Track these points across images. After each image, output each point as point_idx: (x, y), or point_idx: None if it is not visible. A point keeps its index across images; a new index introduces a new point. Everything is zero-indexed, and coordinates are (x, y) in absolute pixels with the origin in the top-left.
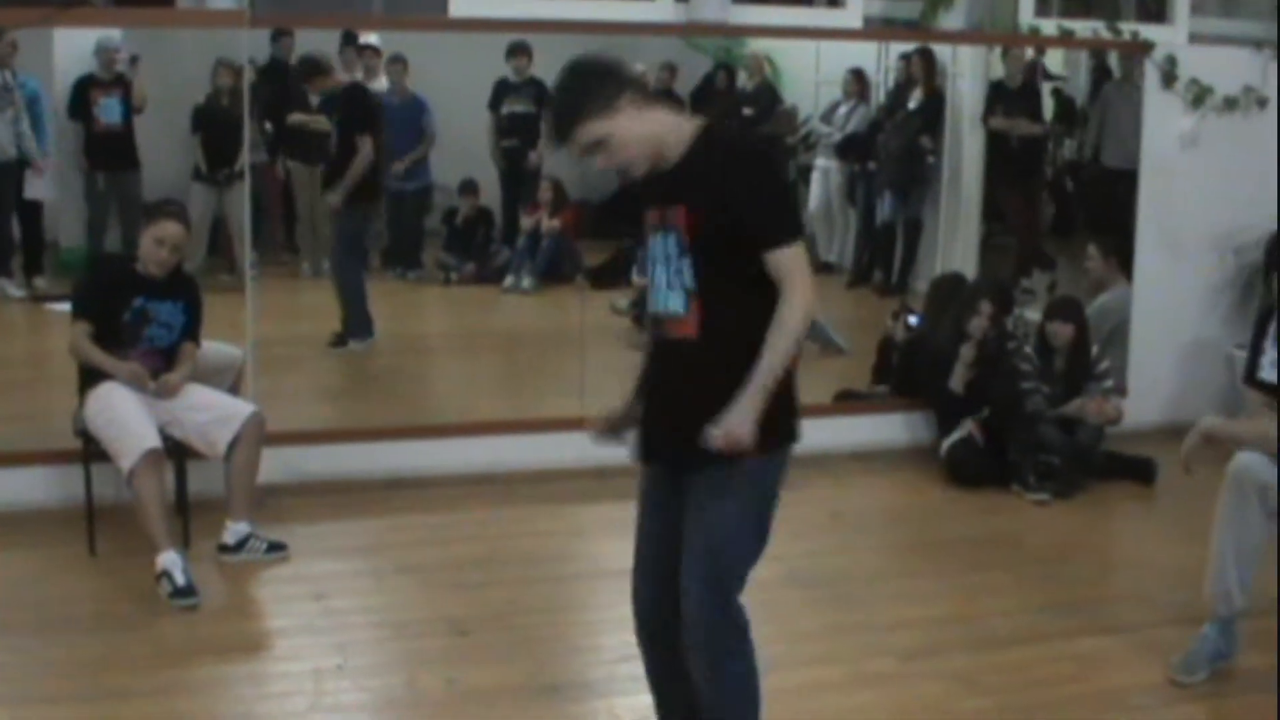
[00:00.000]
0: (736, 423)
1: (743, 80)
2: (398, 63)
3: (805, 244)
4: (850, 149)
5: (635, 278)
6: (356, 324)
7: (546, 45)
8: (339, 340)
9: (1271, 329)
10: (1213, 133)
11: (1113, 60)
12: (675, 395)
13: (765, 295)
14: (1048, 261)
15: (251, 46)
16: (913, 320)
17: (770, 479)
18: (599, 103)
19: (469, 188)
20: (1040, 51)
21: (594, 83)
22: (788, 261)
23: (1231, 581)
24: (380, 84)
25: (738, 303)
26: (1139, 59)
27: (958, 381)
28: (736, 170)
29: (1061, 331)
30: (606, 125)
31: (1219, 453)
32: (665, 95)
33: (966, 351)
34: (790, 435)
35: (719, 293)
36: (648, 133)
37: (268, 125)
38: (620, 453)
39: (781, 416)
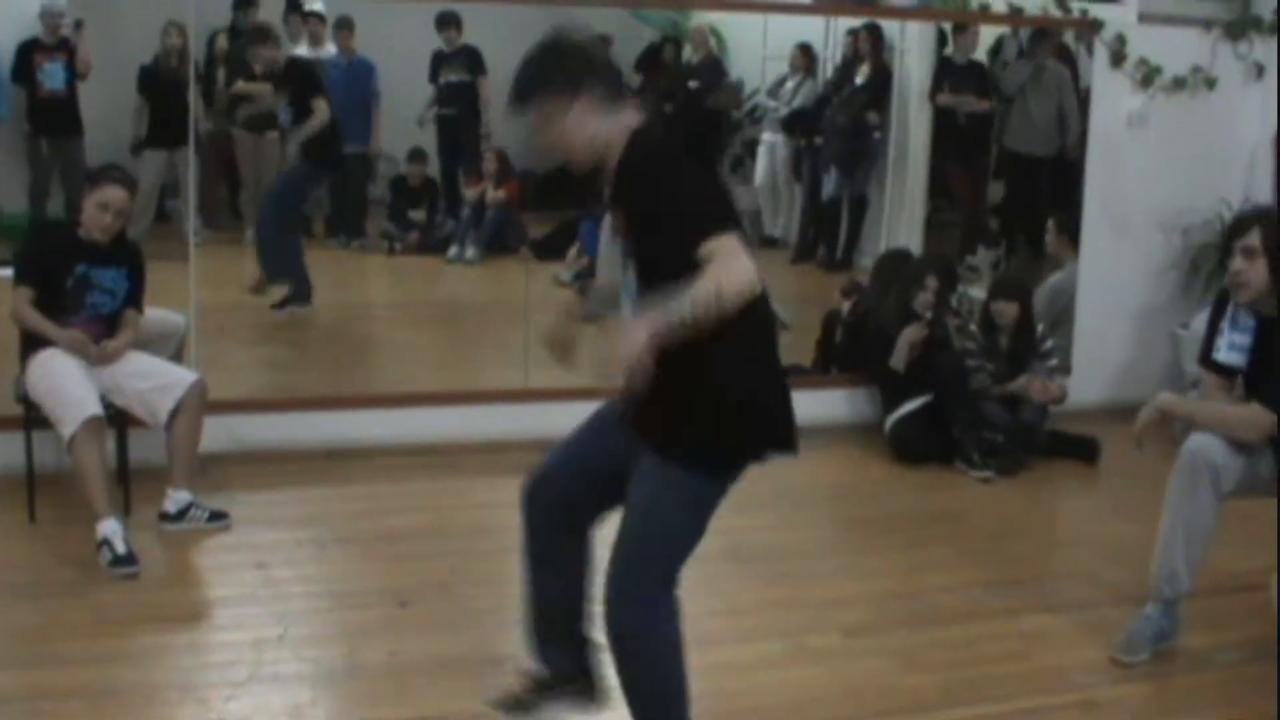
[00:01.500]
0: (633, 330)
1: (688, 53)
2: (344, 26)
3: (738, 234)
4: (796, 124)
5: (574, 252)
6: (296, 287)
7: (499, 16)
8: (280, 304)
9: (1229, 311)
10: (1161, 113)
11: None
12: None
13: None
14: (993, 239)
15: (202, 10)
16: (860, 299)
17: (707, 498)
18: (566, 83)
19: (417, 155)
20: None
21: (569, 62)
22: (712, 247)
23: (1179, 563)
24: (327, 50)
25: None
26: (1052, 40)
27: (899, 359)
28: (650, 172)
29: (1007, 310)
30: (562, 108)
31: (1167, 432)
32: (631, 97)
33: (914, 331)
34: (734, 458)
35: (662, 291)
36: (597, 134)
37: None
38: (564, 424)
39: (744, 414)
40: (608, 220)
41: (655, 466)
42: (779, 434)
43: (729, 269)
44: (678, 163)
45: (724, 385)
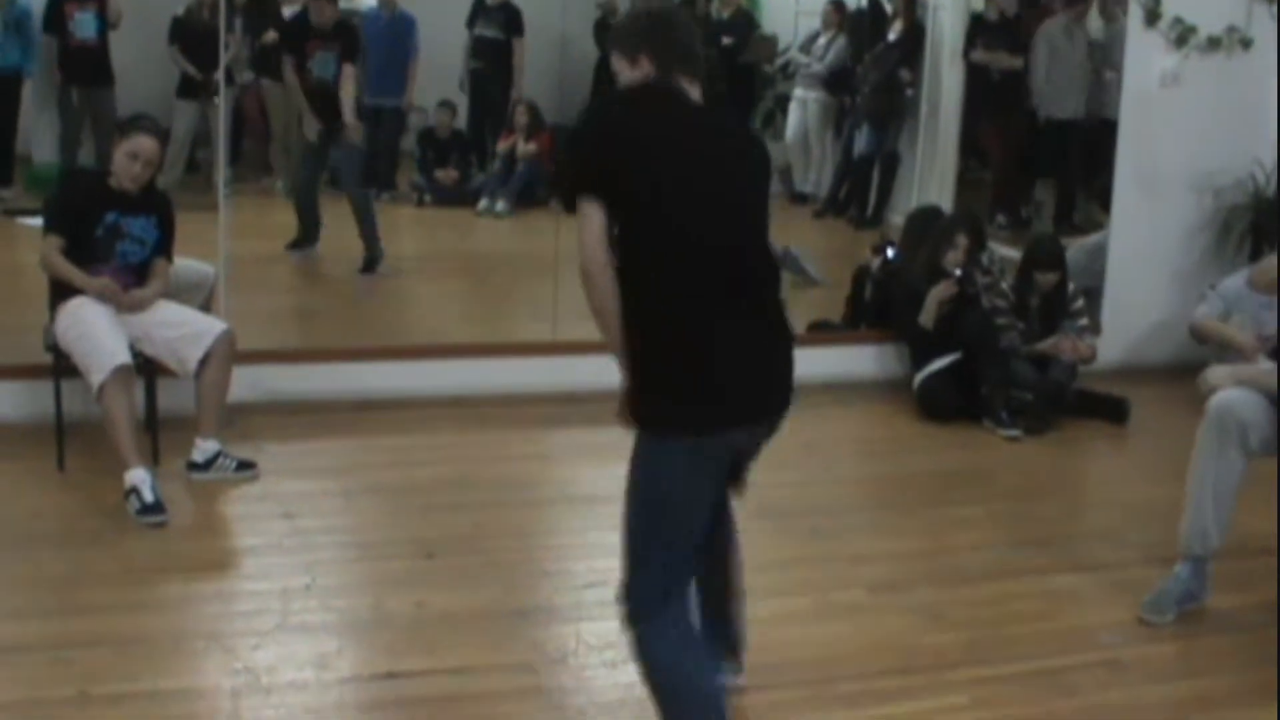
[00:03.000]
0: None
1: (715, 9)
2: None
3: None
4: (838, 82)
5: None
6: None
7: None
8: (295, 243)
9: None
10: (1195, 73)
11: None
12: None
13: (630, 260)
14: (1025, 197)
15: None
16: (890, 254)
17: (650, 456)
18: (630, 42)
19: (445, 105)
20: None
21: (644, 26)
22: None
23: (1209, 520)
24: (365, 2)
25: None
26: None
27: (927, 318)
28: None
29: (1047, 280)
30: (625, 66)
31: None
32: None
33: (942, 289)
34: (666, 421)
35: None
36: None
37: (257, 42)
38: (590, 378)
39: (656, 398)
40: None
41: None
42: (695, 407)
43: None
44: (582, 119)
45: (642, 355)
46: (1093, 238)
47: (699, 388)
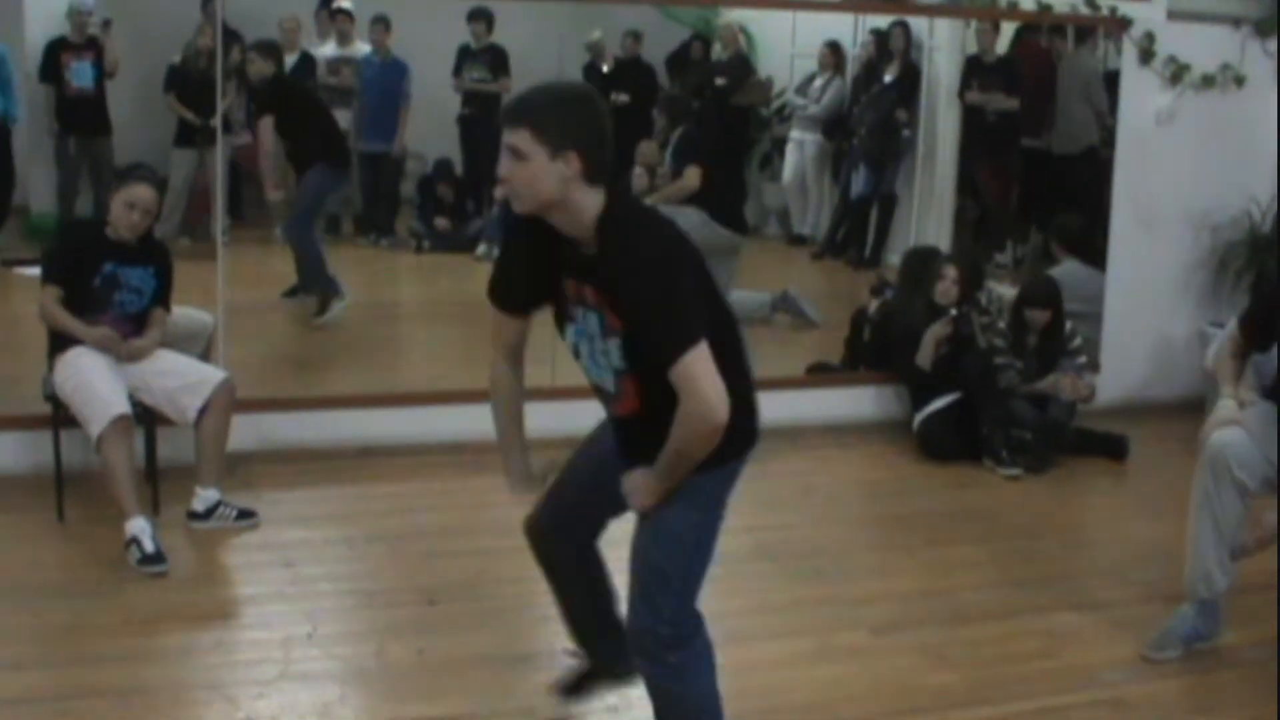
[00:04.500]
0: (644, 493)
1: (717, 51)
2: (379, 23)
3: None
4: (835, 126)
5: None
6: (323, 288)
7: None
8: (291, 291)
9: None
10: (1190, 111)
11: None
12: (636, 459)
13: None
14: (1021, 235)
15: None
16: (889, 295)
17: (715, 491)
18: (554, 132)
19: (444, 167)
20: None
21: (574, 115)
22: (683, 371)
23: (1211, 562)
24: (357, 49)
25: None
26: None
27: (925, 358)
28: (630, 275)
29: (1039, 318)
30: (541, 155)
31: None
32: (613, 181)
33: (940, 328)
34: (740, 449)
35: (656, 371)
36: (553, 194)
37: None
38: (590, 423)
39: (733, 433)
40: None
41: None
42: (755, 429)
43: (692, 426)
44: (649, 263)
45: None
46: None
47: (755, 407)
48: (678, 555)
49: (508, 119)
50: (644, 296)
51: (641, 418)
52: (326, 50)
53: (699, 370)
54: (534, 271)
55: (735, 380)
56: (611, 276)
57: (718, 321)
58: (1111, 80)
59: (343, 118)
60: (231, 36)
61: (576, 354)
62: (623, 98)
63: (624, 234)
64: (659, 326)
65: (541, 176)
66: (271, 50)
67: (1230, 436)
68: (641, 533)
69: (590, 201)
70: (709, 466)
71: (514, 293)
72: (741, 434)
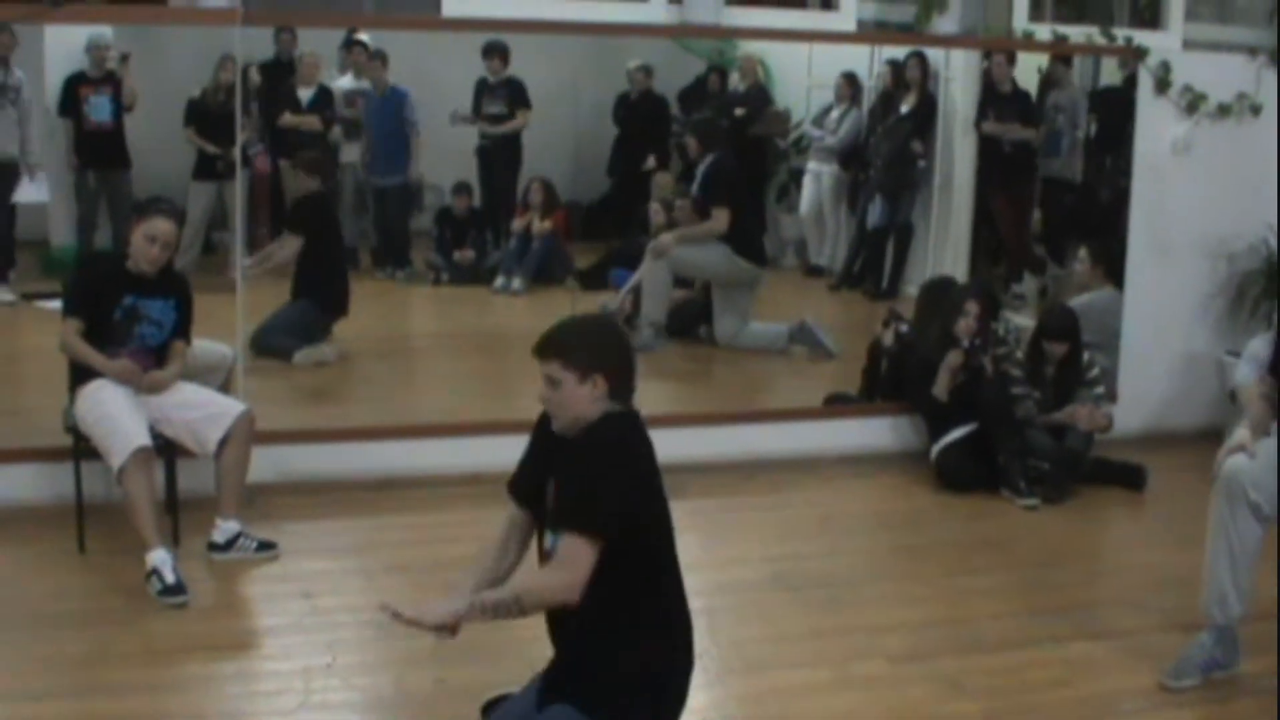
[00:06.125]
0: (448, 612)
1: (735, 82)
2: (376, 58)
3: (597, 544)
4: (851, 158)
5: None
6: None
7: (542, 45)
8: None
9: None
10: (1206, 140)
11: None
12: (560, 688)
13: (637, 570)
14: (1039, 266)
15: (247, 44)
16: (904, 329)
17: None
18: (585, 362)
19: (462, 188)
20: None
21: (597, 345)
22: (570, 546)
23: (1227, 588)
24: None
25: (606, 579)
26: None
27: (940, 389)
28: (580, 453)
29: (1056, 349)
30: (571, 380)
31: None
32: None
33: (953, 358)
34: (652, 702)
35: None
36: (586, 413)
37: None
38: None
39: (648, 699)
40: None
41: (565, 713)
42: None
43: (546, 582)
44: (606, 449)
45: (655, 650)
46: (1083, 297)
47: (678, 642)
48: None
49: (540, 354)
50: (580, 472)
51: (577, 630)
52: (343, 83)
53: (580, 558)
54: (534, 465)
55: (657, 604)
56: (562, 463)
57: (660, 562)
58: (1105, 97)
59: (353, 151)
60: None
61: (549, 556)
62: None
63: (594, 431)
64: (576, 500)
65: (574, 399)
66: (317, 166)
67: (1243, 462)
68: None
69: (594, 414)
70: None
71: (527, 485)
72: (660, 691)
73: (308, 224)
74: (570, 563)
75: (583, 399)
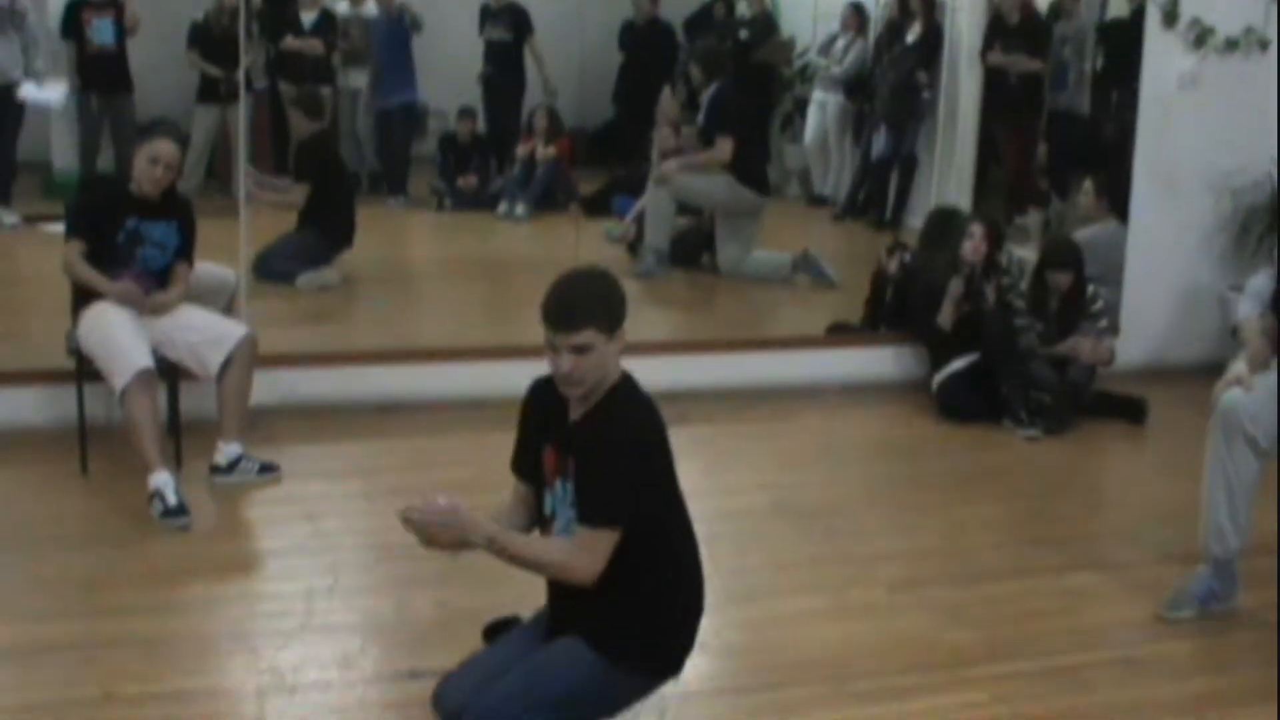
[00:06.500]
0: (450, 517)
1: (741, 10)
2: None
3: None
4: (857, 88)
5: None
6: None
7: None
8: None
9: None
10: (1213, 74)
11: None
12: (569, 623)
13: (655, 543)
14: (1042, 199)
15: None
16: (908, 257)
17: (620, 691)
18: (610, 319)
19: (466, 113)
20: None
21: (613, 299)
22: (588, 536)
23: (1224, 522)
24: (368, 9)
25: (626, 553)
26: None
27: (945, 318)
28: (599, 445)
29: (1061, 279)
30: (602, 341)
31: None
32: None
33: (955, 285)
34: (661, 665)
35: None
36: (611, 369)
37: (268, 48)
38: None
39: (659, 640)
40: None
41: (574, 647)
42: (682, 646)
43: (568, 561)
44: (629, 439)
45: (676, 597)
46: (1088, 230)
47: (690, 619)
48: (549, 687)
49: (570, 324)
50: (598, 468)
51: (589, 590)
52: (340, 8)
53: (598, 547)
54: (530, 440)
55: (668, 551)
56: (584, 445)
57: (672, 524)
58: (1112, 30)
59: (359, 78)
60: None
61: (551, 520)
62: None
63: (614, 408)
64: (595, 492)
65: (606, 359)
66: (317, 107)
67: (1240, 396)
68: (545, 650)
69: (615, 371)
70: (629, 662)
71: (527, 463)
72: (669, 637)
73: (313, 167)
74: (591, 551)
75: (613, 356)
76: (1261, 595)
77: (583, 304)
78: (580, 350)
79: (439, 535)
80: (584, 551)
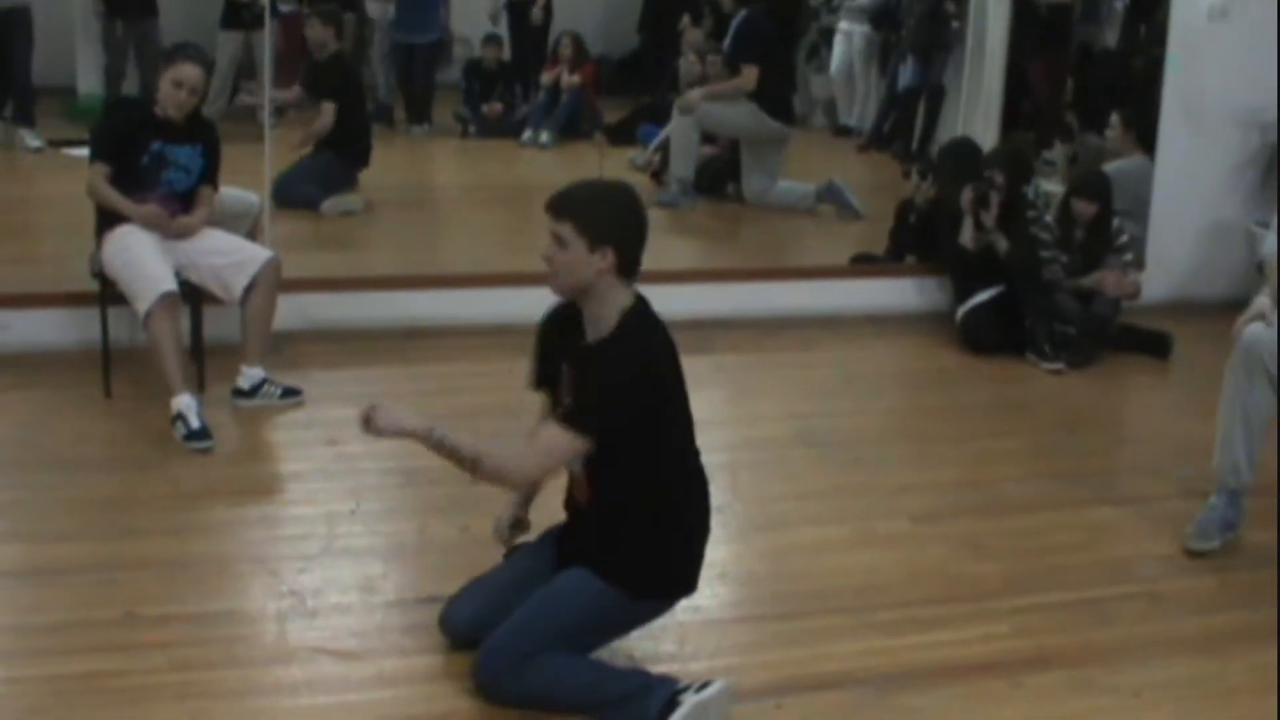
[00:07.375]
0: (409, 425)
1: None
2: None
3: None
4: (884, 19)
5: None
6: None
7: None
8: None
9: None
10: (1242, 7)
11: None
12: (577, 553)
13: (660, 463)
14: (1070, 133)
15: None
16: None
17: (624, 618)
18: (595, 228)
19: (492, 39)
20: None
21: (613, 214)
22: (550, 434)
23: (1239, 453)
24: None
25: (630, 471)
26: None
27: (967, 238)
28: (603, 365)
29: (1086, 210)
30: (577, 242)
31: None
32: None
33: (966, 193)
34: (662, 590)
35: (607, 468)
36: (588, 282)
37: None
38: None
39: (665, 568)
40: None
41: (582, 577)
42: (684, 578)
43: (510, 456)
44: (623, 358)
45: (681, 521)
46: (1115, 163)
47: (692, 550)
48: (559, 619)
49: (554, 211)
50: (596, 381)
51: (592, 511)
52: None
53: (554, 449)
54: (546, 362)
55: (674, 480)
56: (587, 363)
57: (676, 448)
58: None
59: (380, 9)
60: None
61: None
62: None
63: (628, 339)
64: (581, 402)
65: (579, 265)
66: (334, 17)
67: (1261, 331)
68: (553, 582)
69: (619, 295)
70: (632, 585)
71: (544, 375)
72: (670, 566)
73: (331, 88)
74: (544, 449)
75: (586, 267)
76: (1271, 534)
77: (575, 200)
78: (556, 241)
79: (377, 416)
80: (535, 450)
